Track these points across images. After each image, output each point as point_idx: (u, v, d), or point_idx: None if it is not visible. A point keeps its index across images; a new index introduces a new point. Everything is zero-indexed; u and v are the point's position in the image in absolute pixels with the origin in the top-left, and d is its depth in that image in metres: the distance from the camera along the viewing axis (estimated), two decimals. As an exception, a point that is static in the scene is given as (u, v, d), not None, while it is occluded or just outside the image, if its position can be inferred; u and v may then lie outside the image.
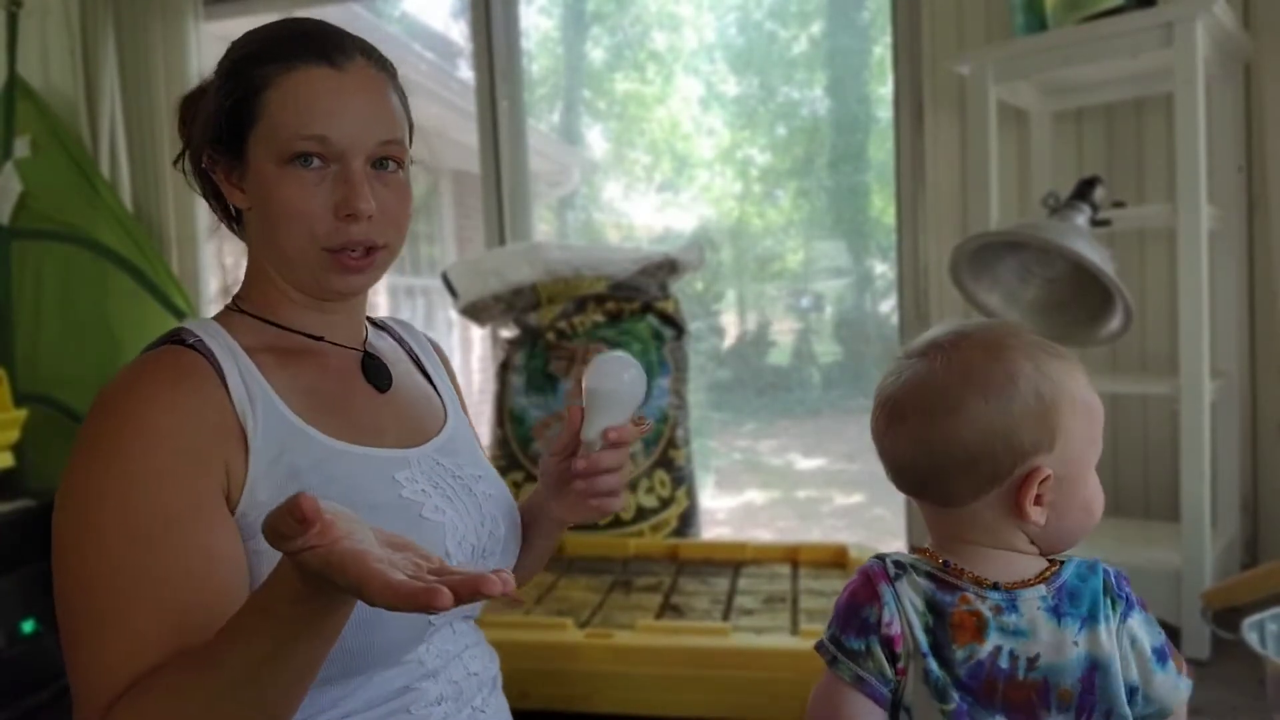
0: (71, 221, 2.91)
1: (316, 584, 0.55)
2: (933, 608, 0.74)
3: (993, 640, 0.72)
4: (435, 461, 0.87)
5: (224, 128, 0.82)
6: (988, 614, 0.73)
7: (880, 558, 0.78)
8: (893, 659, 0.74)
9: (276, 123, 0.79)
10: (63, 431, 2.84)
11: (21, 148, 2.93)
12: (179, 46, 3.04)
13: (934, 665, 0.73)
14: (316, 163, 0.79)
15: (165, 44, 3.05)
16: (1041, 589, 0.74)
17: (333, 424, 0.81)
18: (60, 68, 3.09)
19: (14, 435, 2.61)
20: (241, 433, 0.76)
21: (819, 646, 0.78)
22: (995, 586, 0.74)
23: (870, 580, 0.76)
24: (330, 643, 0.64)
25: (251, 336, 0.83)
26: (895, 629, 0.74)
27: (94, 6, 3.03)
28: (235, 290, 0.90)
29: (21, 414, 2.62)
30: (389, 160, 0.83)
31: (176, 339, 0.80)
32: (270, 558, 0.68)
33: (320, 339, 0.87)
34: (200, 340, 0.80)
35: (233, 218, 0.90)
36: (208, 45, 3.11)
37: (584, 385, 0.88)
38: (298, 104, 0.79)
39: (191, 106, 0.89)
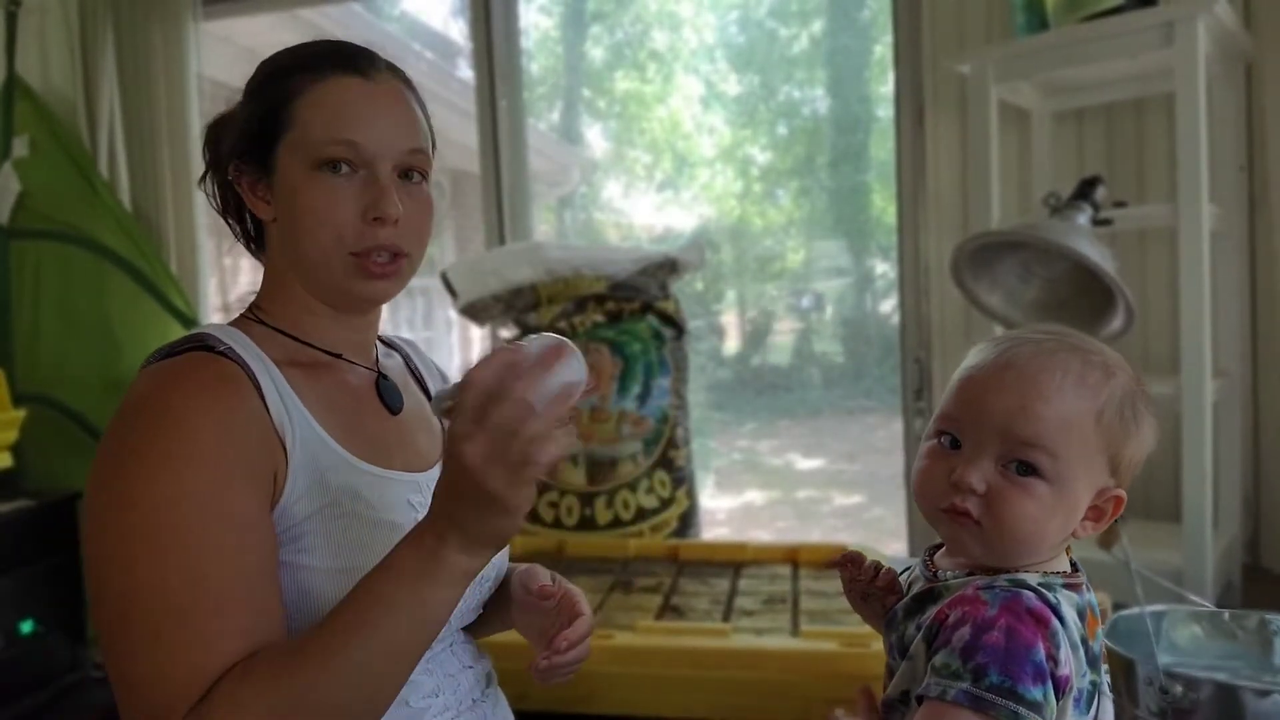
0: (71, 221, 2.90)
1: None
2: (1081, 615, 0.69)
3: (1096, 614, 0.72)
4: None
5: (253, 138, 0.82)
6: (1090, 595, 0.72)
7: (1021, 585, 0.68)
8: (1057, 698, 0.65)
9: (307, 129, 0.80)
10: (62, 432, 2.84)
11: (20, 148, 2.92)
12: (178, 46, 3.03)
13: (1088, 676, 0.67)
14: (345, 169, 0.80)
15: (165, 44, 3.04)
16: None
17: (353, 442, 0.83)
18: (59, 68, 3.08)
19: (13, 435, 2.60)
20: (281, 446, 0.77)
21: (975, 701, 0.62)
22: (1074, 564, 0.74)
23: (1032, 615, 0.65)
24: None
25: (274, 348, 0.83)
26: (1067, 669, 0.65)
27: (93, 6, 3.02)
28: (245, 300, 0.90)
29: (21, 414, 2.62)
30: (414, 171, 0.84)
31: (202, 344, 0.79)
32: (293, 570, 0.75)
33: (339, 356, 0.88)
34: (231, 349, 0.78)
35: (251, 237, 0.91)
36: (207, 45, 3.10)
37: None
38: (328, 110, 0.81)
39: (219, 129, 0.89)
